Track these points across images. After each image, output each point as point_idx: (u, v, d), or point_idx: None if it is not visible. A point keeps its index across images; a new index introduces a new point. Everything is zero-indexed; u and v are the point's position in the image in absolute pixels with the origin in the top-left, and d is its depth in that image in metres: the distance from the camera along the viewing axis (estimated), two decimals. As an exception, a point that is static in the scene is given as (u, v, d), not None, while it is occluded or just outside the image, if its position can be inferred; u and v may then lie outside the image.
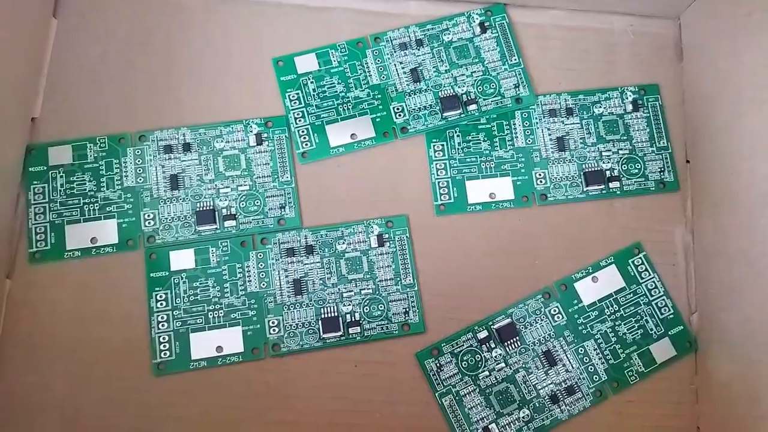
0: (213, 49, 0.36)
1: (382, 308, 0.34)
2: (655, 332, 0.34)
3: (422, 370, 0.33)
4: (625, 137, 0.37)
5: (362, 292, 0.34)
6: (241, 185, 0.34)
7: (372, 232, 0.34)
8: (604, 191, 0.36)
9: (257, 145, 0.35)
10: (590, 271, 0.35)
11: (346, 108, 0.36)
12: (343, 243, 0.34)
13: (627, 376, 0.34)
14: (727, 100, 0.35)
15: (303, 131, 0.35)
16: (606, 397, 0.33)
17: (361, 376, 0.33)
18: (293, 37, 0.37)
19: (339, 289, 0.34)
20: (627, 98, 0.37)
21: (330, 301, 0.33)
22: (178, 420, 0.32)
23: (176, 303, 0.33)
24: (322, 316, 0.33)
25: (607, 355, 0.34)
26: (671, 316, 0.34)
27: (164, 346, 0.32)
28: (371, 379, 0.33)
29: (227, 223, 0.34)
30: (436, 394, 0.33)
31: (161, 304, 0.33)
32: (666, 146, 0.37)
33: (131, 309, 0.33)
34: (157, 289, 0.33)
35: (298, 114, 0.35)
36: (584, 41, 0.38)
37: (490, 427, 0.33)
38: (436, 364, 0.33)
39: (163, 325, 0.32)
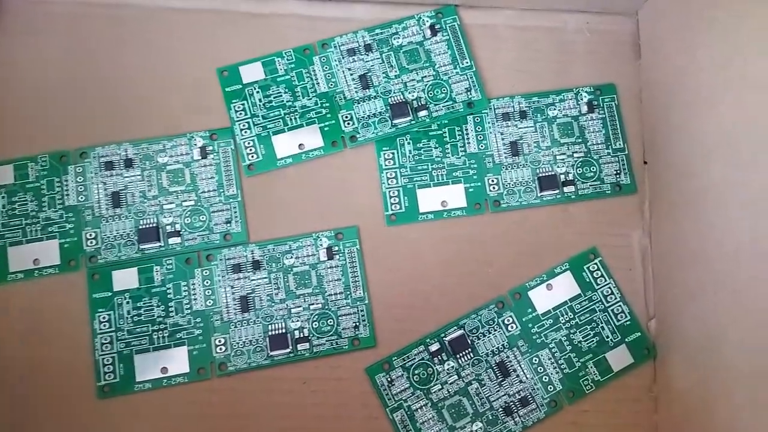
0: (155, 61, 0.36)
1: (332, 323, 0.33)
2: (611, 339, 0.34)
3: (373, 385, 0.33)
4: (580, 140, 0.36)
5: (311, 307, 0.33)
6: (186, 201, 0.34)
7: (321, 244, 0.34)
8: (558, 196, 0.36)
9: (202, 158, 0.34)
10: (545, 278, 0.35)
11: (293, 117, 0.35)
12: (291, 257, 0.34)
13: (582, 386, 0.33)
14: (682, 99, 0.34)
15: (249, 143, 0.35)
16: (561, 408, 0.33)
17: (310, 393, 0.33)
18: (238, 45, 0.36)
19: (287, 304, 0.33)
20: (582, 99, 0.37)
21: (278, 318, 0.33)
22: (124, 442, 0.32)
23: (120, 324, 0.32)
24: (270, 333, 0.33)
25: (562, 364, 0.34)
26: (628, 322, 0.34)
27: (108, 368, 0.32)
28: (321, 395, 0.33)
29: (171, 240, 0.33)
30: (387, 410, 0.33)
31: (104, 325, 0.32)
32: (622, 148, 0.36)
33: (75, 331, 0.33)
34: (100, 310, 0.32)
35: (243, 125, 0.35)
36: (538, 41, 0.38)
37: (442, 441, 0.33)
38: (387, 378, 0.33)
39: (106, 347, 0.32)
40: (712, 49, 0.32)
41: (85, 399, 0.32)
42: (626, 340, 0.34)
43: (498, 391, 0.33)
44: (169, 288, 0.33)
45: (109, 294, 0.33)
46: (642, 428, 0.34)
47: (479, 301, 0.34)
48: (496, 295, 0.34)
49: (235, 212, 0.34)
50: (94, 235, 0.34)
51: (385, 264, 0.35)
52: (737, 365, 0.29)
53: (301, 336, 0.33)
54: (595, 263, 0.35)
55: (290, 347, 0.33)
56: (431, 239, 0.35)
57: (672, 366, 0.34)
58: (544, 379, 0.34)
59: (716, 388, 0.31)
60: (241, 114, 0.35)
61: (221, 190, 0.34)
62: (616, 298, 0.35)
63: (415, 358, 0.34)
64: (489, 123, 0.36)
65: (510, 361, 0.34)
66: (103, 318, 0.33)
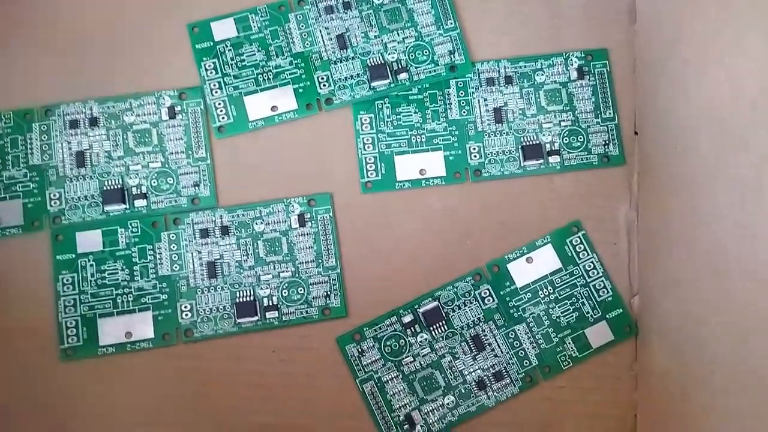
0: (123, 16, 0.35)
1: (302, 292, 0.33)
2: (591, 315, 0.33)
3: (343, 355, 0.32)
4: (568, 108, 0.35)
5: (281, 275, 0.33)
6: (153, 162, 0.33)
7: (292, 211, 0.33)
8: (543, 166, 0.34)
9: (170, 118, 0.33)
10: (525, 251, 0.34)
11: (266, 78, 0.34)
12: (261, 223, 0.33)
13: (560, 361, 0.33)
14: (675, 68, 0.33)
15: (219, 103, 0.34)
16: (536, 383, 0.33)
17: (278, 362, 0.33)
18: (209, 0, 0.35)
19: (256, 271, 0.33)
20: (572, 65, 0.35)
21: (246, 285, 0.33)
22: (86, 407, 0.32)
23: (83, 287, 0.32)
24: (238, 300, 0.32)
25: (539, 339, 0.33)
26: (610, 298, 0.33)
27: (71, 331, 0.32)
28: (290, 365, 0.33)
29: (137, 203, 0.33)
30: (357, 381, 0.32)
31: (68, 288, 0.32)
32: (612, 117, 0.35)
33: (38, 293, 0.32)
34: (63, 272, 0.32)
35: (214, 85, 0.34)
36: (528, 3, 0.36)
37: (412, 414, 0.32)
38: (357, 349, 0.32)
39: (70, 310, 0.32)
40: (705, 18, 0.30)
41: (48, 361, 0.32)
42: (607, 316, 0.33)
43: (472, 365, 0.33)
44: (134, 251, 0.32)
45: (73, 256, 0.32)
46: (621, 405, 0.33)
47: (456, 273, 0.33)
48: (474, 267, 0.34)
49: (204, 175, 0.33)
50: (58, 195, 0.33)
51: (360, 233, 0.34)
52: (717, 349, 0.28)
53: (270, 304, 0.33)
54: (578, 237, 0.34)
55: (258, 315, 0.32)
56: (408, 208, 0.34)
57: (653, 345, 0.33)
58: (519, 354, 0.33)
59: (696, 370, 0.30)
60: (211, 73, 0.34)
61: (190, 152, 0.33)
62: (598, 273, 0.34)
63: (387, 329, 0.33)
64: (472, 88, 0.35)
65: (485, 335, 0.33)
66: (67, 280, 0.32)
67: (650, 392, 0.33)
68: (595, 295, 0.34)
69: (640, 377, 0.33)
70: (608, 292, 0.34)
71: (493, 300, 0.33)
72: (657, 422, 0.32)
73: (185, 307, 0.32)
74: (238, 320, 0.32)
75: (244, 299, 0.32)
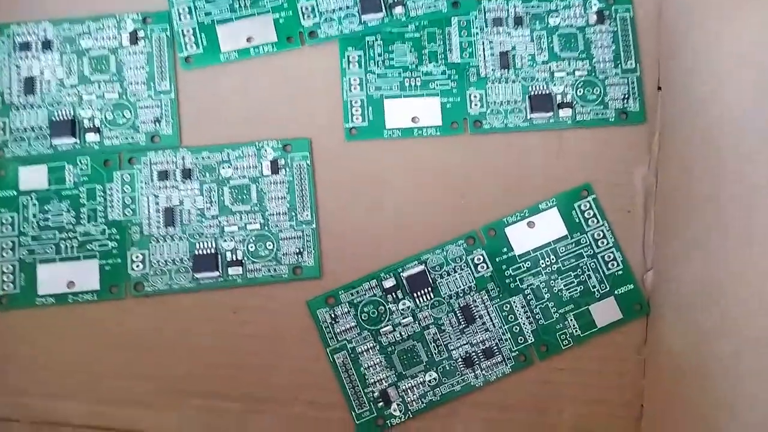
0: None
1: (271, 247, 0.29)
2: (598, 290, 0.30)
3: (314, 321, 0.29)
4: (584, 55, 0.31)
5: (248, 227, 0.29)
6: (109, 92, 0.30)
7: (265, 156, 0.30)
8: (552, 120, 0.31)
9: (131, 44, 0.30)
10: (526, 214, 0.30)
11: (242, 4, 0.30)
12: (229, 168, 0.30)
13: (559, 340, 0.29)
14: (705, 14, 0.29)
15: (188, 30, 0.30)
16: (531, 363, 0.29)
17: (240, 324, 0.29)
18: None
19: (220, 221, 0.29)
20: (591, 8, 0.31)
21: (208, 236, 0.29)
22: (23, 359, 0.28)
23: (24, 228, 0.29)
24: (197, 252, 0.29)
25: (537, 314, 0.29)
26: (620, 272, 0.30)
27: (7, 277, 0.28)
28: (253, 328, 0.29)
29: (89, 137, 0.29)
30: (328, 350, 0.29)
31: (7, 228, 0.28)
32: (633, 68, 0.31)
33: (-27, 233, 0.29)
34: (2, 210, 0.29)
35: (183, 9, 0.30)
36: (544, -64, 0.32)
37: (388, 390, 0.29)
38: (330, 314, 0.29)
39: (7, 253, 0.28)
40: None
41: (-21, 311, 0.29)
42: (616, 292, 0.30)
43: (459, 338, 0.29)
44: (82, 192, 0.29)
45: (15, 194, 0.29)
46: (626, 392, 0.29)
47: (447, 236, 0.30)
48: (468, 229, 0.30)
49: (166, 111, 0.30)
50: (2, 124, 0.29)
51: (340, 185, 0.30)
52: (742, 329, 0.25)
53: (234, 259, 0.29)
54: (588, 201, 0.30)
55: (220, 271, 0.29)
56: (397, 160, 0.31)
57: (667, 326, 0.29)
58: (514, 330, 0.29)
59: (717, 354, 0.26)
60: (182, -4, 0.31)
61: (151, 84, 0.30)
62: (608, 243, 0.30)
63: (365, 294, 0.29)
64: (476, 28, 0.31)
65: (476, 306, 0.29)
66: (6, 220, 0.29)
67: (660, 379, 0.29)
68: (604, 267, 0.30)
69: (650, 362, 0.30)
70: (618, 264, 0.30)
71: (488, 267, 0.30)
72: (667, 413, 0.29)
73: (137, 257, 0.29)
74: (196, 275, 0.29)
75: (205, 252, 0.29)
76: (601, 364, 0.30)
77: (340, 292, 0.29)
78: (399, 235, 0.30)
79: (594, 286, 0.30)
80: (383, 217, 0.30)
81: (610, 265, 0.30)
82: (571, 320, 0.29)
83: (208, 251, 0.29)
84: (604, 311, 0.30)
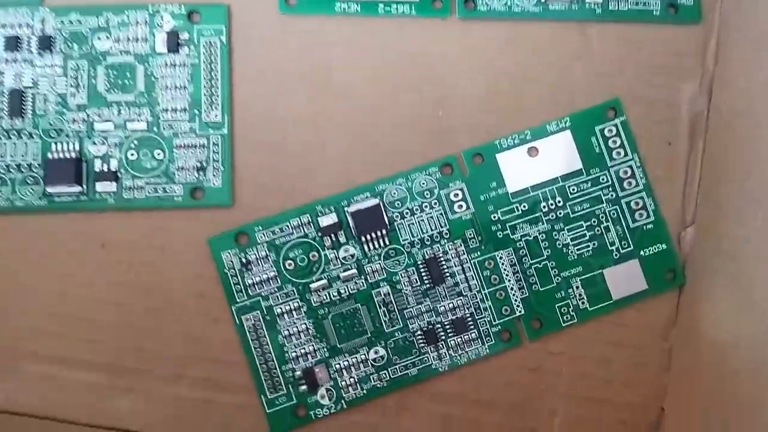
0: None
1: (161, 157, 0.21)
2: (617, 249, 0.22)
3: (216, 266, 0.21)
4: None
5: (128, 125, 0.21)
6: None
7: (160, 25, 0.21)
8: (575, 6, 0.22)
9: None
10: (527, 137, 0.22)
11: None
12: (107, 39, 0.21)
13: (558, 314, 0.22)
14: None
15: None
16: (518, 343, 0.22)
17: (110, 264, 0.21)
18: None
19: (88, 115, 0.21)
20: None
21: (70, 134, 0.21)
22: None
23: None
24: (51, 156, 0.21)
25: (531, 276, 0.22)
26: (650, 225, 0.22)
27: None
28: (127, 270, 0.21)
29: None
30: (234, 308, 0.21)
31: None
32: (695, -55, 0.23)
33: None
34: None
35: None
36: None
37: (315, 370, 0.21)
38: (240, 259, 0.21)
39: None
40: None
41: None
42: (641, 253, 0.22)
43: (420, 303, 0.21)
44: None
45: None
46: (642, 390, 0.22)
47: (415, 161, 0.22)
48: (445, 153, 0.22)
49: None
50: None
51: (269, 76, 0.22)
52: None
53: (105, 170, 0.21)
54: (615, 125, 0.22)
55: (84, 186, 0.21)
56: (351, 48, 0.22)
57: (708, 303, 0.22)
58: (497, 296, 0.22)
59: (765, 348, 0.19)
60: None
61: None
62: (637, 185, 0.22)
63: (292, 234, 0.21)
64: None
65: (447, 261, 0.21)
66: None
67: (691, 376, 0.22)
68: (629, 217, 0.22)
69: (678, 351, 0.22)
70: (648, 215, 0.22)
71: (467, 207, 0.22)
72: (696, 422, 0.22)
73: (-38, 157, 0.21)
74: (49, 189, 0.21)
75: (63, 156, 0.21)
76: (612, 351, 0.22)
77: (256, 229, 0.21)
78: (347, 152, 0.22)
79: (612, 243, 0.22)
80: (326, 126, 0.22)
81: (637, 216, 0.22)
82: (578, 288, 0.22)
83: (68, 155, 0.21)
84: (624, 278, 0.22)
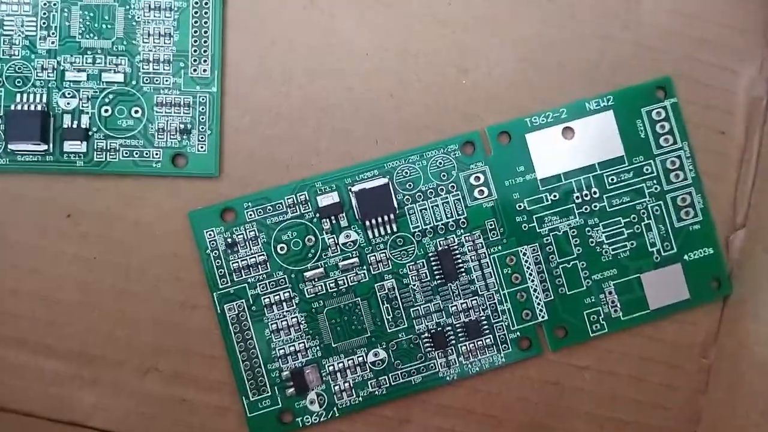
0: None
1: (139, 115, 0.18)
2: (659, 251, 0.19)
3: (197, 245, 0.18)
4: None
5: (103, 77, 0.18)
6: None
7: (145, -38, 0.19)
8: (624, -30, 0.20)
9: None
10: (563, 115, 0.19)
11: None
12: (83, -27, 0.19)
13: (587, 322, 0.19)
14: None
15: None
16: (539, 353, 0.19)
17: (77, 238, 0.19)
18: None
19: (59, 62, 0.18)
20: None
21: (37, 84, 0.18)
22: None
23: None
24: (16, 107, 0.18)
25: (558, 278, 0.19)
26: (697, 226, 0.19)
27: None
28: (96, 245, 0.19)
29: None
30: (215, 295, 0.18)
31: None
32: None
33: None
34: None
35: None
36: None
37: (306, 371, 0.18)
38: (226, 238, 0.18)
39: None
40: None
41: None
42: (685, 257, 0.19)
43: (430, 301, 0.19)
44: None
45: None
46: (676, 413, 0.20)
47: (431, 136, 0.19)
48: (467, 129, 0.19)
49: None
50: None
51: (267, 26, 0.19)
52: None
53: (75, 127, 0.18)
54: (665, 107, 0.20)
55: (49, 144, 0.18)
56: (362, 3, 0.20)
57: (754, 319, 0.19)
58: (518, 298, 0.19)
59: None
60: None
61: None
62: (686, 179, 0.19)
63: (286, 213, 0.19)
64: None
65: (462, 254, 0.19)
66: None
67: (730, 401, 0.19)
68: (673, 215, 0.19)
69: (719, 370, 0.20)
70: (696, 214, 0.20)
71: (489, 194, 0.19)
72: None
73: None
74: (11, 146, 0.18)
75: (28, 108, 0.18)
76: (644, 368, 0.20)
77: (245, 205, 0.18)
78: (353, 123, 0.19)
79: (653, 244, 0.19)
80: (330, 90, 0.19)
81: (683, 214, 0.20)
82: (610, 294, 0.19)
83: (34, 108, 0.18)
84: (663, 285, 0.19)
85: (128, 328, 0.19)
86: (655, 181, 0.20)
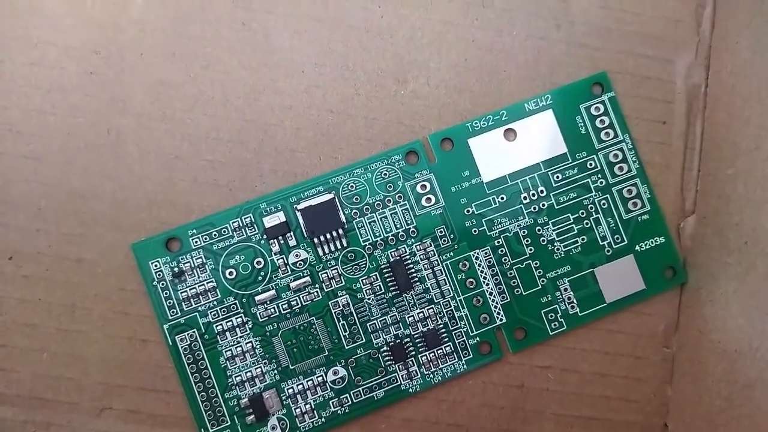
0: None
1: None
2: (610, 244, 0.20)
3: (143, 277, 0.19)
4: None
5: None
6: None
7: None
8: (552, -30, 0.21)
9: None
10: (504, 117, 0.20)
11: None
12: None
13: (545, 321, 0.20)
14: None
15: None
16: (500, 356, 0.19)
17: (18, 280, 0.18)
18: None
19: None
20: None
21: None
22: None
23: None
24: None
25: (513, 279, 0.20)
26: (645, 216, 0.20)
27: None
28: (38, 286, 0.19)
29: None
30: (165, 327, 0.18)
31: None
32: None
33: None
34: None
35: None
36: None
37: (264, 396, 0.19)
38: (172, 267, 0.19)
39: None
40: None
41: None
42: (637, 248, 0.20)
43: (386, 314, 0.19)
44: None
45: None
46: (643, 407, 0.20)
47: (375, 148, 0.20)
48: (409, 138, 0.20)
49: None
50: None
51: (199, 53, 0.19)
52: None
53: None
54: (603, 102, 0.20)
55: None
56: (296, 7, 0.20)
57: (712, 306, 0.20)
58: (475, 303, 0.19)
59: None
60: None
61: None
62: (630, 171, 0.20)
63: (233, 236, 0.19)
64: None
65: (415, 263, 0.19)
66: None
67: (698, 387, 0.20)
68: (621, 207, 0.20)
69: (681, 361, 0.20)
70: (644, 204, 0.20)
71: (437, 201, 0.20)
72: (704, 441, 0.20)
73: None
74: None
75: None
76: (607, 363, 0.20)
77: (190, 232, 0.19)
78: (296, 143, 0.20)
79: (604, 238, 0.20)
80: (269, 107, 0.20)
81: (630, 205, 0.20)
82: (566, 291, 0.20)
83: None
84: (618, 278, 0.20)
85: (78, 369, 0.19)
86: (600, 176, 0.20)
